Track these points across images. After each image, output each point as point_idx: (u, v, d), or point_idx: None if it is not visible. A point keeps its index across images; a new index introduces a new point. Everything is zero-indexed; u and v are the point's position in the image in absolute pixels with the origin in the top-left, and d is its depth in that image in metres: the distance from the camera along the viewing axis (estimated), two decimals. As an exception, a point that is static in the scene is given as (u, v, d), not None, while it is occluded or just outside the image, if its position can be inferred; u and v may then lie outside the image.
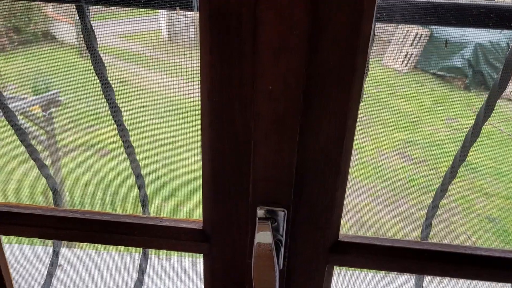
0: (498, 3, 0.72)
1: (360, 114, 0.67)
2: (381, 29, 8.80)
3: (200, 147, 0.73)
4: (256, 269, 0.75)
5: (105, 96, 0.96)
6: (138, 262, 1.19)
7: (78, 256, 3.07)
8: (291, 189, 0.72)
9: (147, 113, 6.87)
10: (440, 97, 7.83)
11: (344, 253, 0.79)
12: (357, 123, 0.68)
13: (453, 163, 0.92)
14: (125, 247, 0.89)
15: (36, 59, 7.83)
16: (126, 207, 5.49)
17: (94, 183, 5.92)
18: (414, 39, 8.48)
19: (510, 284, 0.85)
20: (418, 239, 0.94)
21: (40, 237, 0.89)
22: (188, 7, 0.79)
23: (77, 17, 0.87)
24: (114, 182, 5.90)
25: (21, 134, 1.02)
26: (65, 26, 8.21)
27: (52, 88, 6.52)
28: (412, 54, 8.39)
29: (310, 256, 0.79)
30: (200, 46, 0.65)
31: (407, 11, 0.72)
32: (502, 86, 0.81)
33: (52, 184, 1.09)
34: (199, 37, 0.64)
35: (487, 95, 0.83)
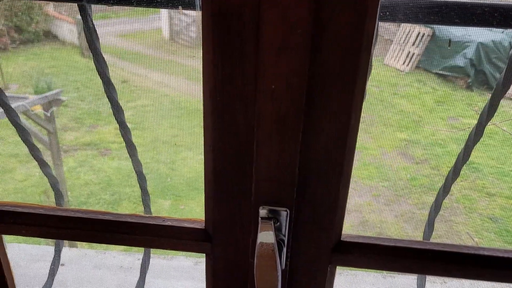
0: (502, 2, 0.72)
1: (362, 114, 0.67)
2: (383, 28, 8.78)
3: (202, 147, 0.73)
4: (259, 269, 0.75)
5: (107, 95, 0.96)
6: (140, 261, 1.19)
7: (79, 256, 3.08)
8: (294, 189, 0.72)
9: (149, 112, 6.87)
10: (442, 96, 7.81)
11: (346, 253, 0.79)
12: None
13: (456, 163, 0.92)
14: (126, 246, 0.89)
15: (37, 59, 7.83)
16: (128, 207, 5.49)
17: (95, 182, 5.92)
18: (416, 38, 8.46)
19: (513, 285, 0.85)
20: (420, 238, 0.94)
21: (42, 237, 0.89)
22: (190, 6, 0.79)
23: (79, 16, 0.87)
24: (116, 181, 5.91)
25: (23, 133, 1.01)
26: (66, 25, 8.21)
27: (53, 87, 6.53)
28: (414, 54, 8.38)
29: (313, 256, 0.79)
30: (202, 46, 0.64)
31: (410, 10, 0.71)
32: (505, 85, 0.81)
33: (54, 184, 1.09)
34: (201, 36, 0.64)
35: (489, 94, 0.83)
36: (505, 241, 5.05)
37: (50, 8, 8.47)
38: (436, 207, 0.99)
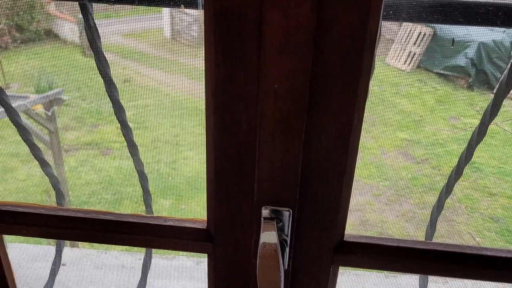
0: (506, 1, 0.71)
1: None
2: (384, 27, 8.78)
3: (204, 147, 0.73)
4: (261, 269, 0.75)
5: (108, 95, 0.95)
6: (141, 261, 1.18)
7: (81, 256, 3.08)
8: (297, 189, 0.72)
9: (151, 112, 6.87)
10: (443, 96, 7.80)
11: (349, 253, 0.79)
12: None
13: (458, 163, 0.91)
14: (128, 246, 0.89)
15: (39, 58, 7.83)
16: (129, 206, 5.49)
17: (97, 182, 5.93)
18: (418, 38, 8.45)
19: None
20: (422, 238, 0.94)
21: (43, 237, 0.88)
22: (192, 4, 0.79)
23: (80, 15, 0.87)
24: (117, 181, 5.91)
25: (24, 132, 1.01)
26: (68, 24, 8.21)
27: (55, 86, 6.53)
28: (415, 53, 8.37)
29: (315, 256, 0.79)
30: (204, 45, 0.64)
31: (414, 9, 0.71)
32: (508, 85, 0.81)
33: (55, 183, 1.09)
34: (203, 35, 0.63)
35: (490, 94, 0.83)
36: (506, 241, 5.05)
37: (51, 7, 8.47)
38: (438, 207, 0.98)
